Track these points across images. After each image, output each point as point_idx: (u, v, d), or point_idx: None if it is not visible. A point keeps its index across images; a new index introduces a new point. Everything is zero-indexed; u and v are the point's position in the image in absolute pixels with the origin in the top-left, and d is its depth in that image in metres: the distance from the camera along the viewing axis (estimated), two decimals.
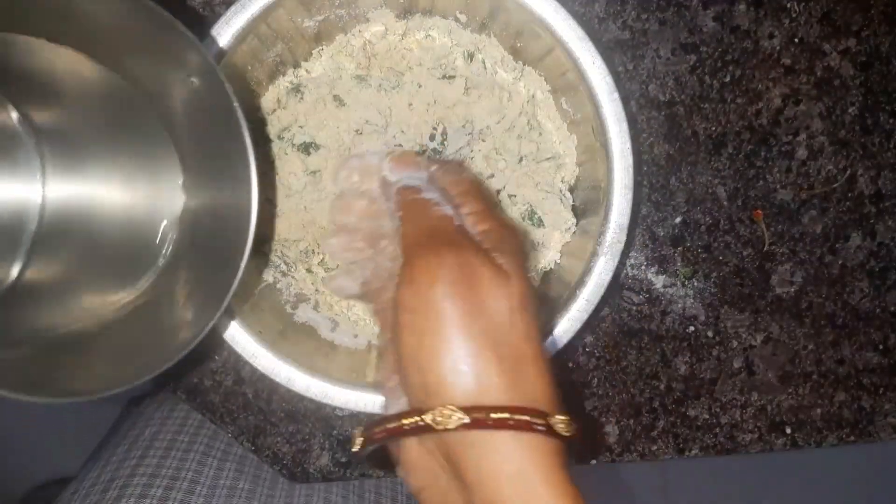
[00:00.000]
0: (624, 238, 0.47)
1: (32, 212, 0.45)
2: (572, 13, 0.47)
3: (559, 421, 0.35)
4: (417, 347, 0.36)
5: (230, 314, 0.48)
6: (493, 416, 0.33)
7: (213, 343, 0.58)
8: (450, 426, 0.34)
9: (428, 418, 0.34)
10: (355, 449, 0.39)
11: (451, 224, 0.40)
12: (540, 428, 0.34)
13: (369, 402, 0.47)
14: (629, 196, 0.47)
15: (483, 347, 0.35)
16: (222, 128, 0.42)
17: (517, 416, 0.34)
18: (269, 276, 0.53)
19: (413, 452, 0.38)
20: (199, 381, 0.59)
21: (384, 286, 0.44)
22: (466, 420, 0.33)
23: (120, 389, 0.41)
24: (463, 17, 0.52)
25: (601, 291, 0.48)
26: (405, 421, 0.36)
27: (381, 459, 0.40)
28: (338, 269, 0.45)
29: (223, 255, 0.43)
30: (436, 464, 0.37)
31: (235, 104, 0.41)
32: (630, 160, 0.47)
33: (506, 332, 0.36)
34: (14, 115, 0.43)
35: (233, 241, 0.43)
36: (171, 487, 0.58)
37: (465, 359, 0.35)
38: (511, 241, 0.40)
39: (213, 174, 0.46)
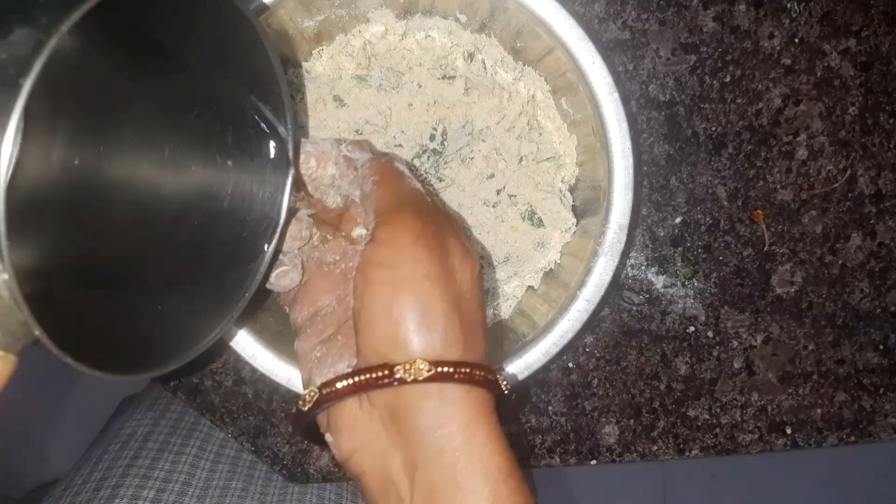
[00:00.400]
0: (624, 238, 0.47)
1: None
2: (572, 13, 0.47)
3: (503, 378, 0.39)
4: (391, 300, 0.38)
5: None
6: (459, 370, 0.36)
7: (213, 344, 0.58)
8: (420, 378, 0.36)
9: (400, 371, 0.36)
10: (305, 408, 0.39)
11: (425, 197, 0.42)
12: (492, 383, 0.38)
13: None
14: (629, 196, 0.47)
15: (452, 309, 0.38)
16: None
17: (476, 371, 0.37)
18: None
19: (352, 412, 0.39)
20: (199, 381, 0.59)
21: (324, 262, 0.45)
22: (433, 372, 0.36)
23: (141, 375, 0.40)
24: (463, 17, 0.52)
25: (601, 292, 0.48)
26: (375, 374, 0.37)
27: (316, 433, 0.41)
28: (286, 265, 0.45)
29: (247, 247, 0.44)
30: (376, 422, 0.38)
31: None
32: (630, 160, 0.47)
33: (467, 299, 0.39)
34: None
35: (258, 235, 0.43)
36: (164, 489, 0.58)
37: (438, 316, 0.37)
38: (459, 224, 0.44)
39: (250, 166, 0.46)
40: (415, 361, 0.36)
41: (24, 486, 1.33)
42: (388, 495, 0.38)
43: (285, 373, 0.48)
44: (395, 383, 0.37)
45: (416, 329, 0.37)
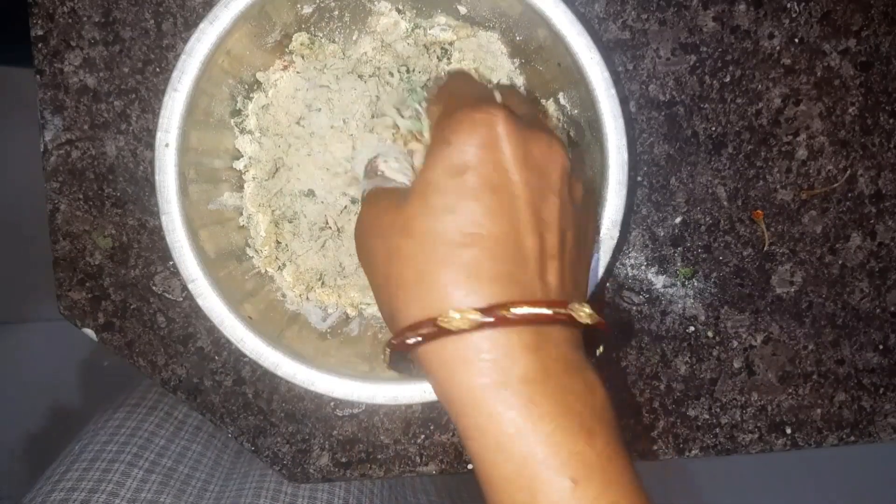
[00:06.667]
0: (617, 234, 0.47)
1: None
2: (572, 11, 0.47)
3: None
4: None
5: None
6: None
7: (213, 343, 0.58)
8: (583, 320, 0.34)
9: (564, 311, 0.33)
10: (453, 326, 0.31)
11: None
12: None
13: (355, 390, 0.47)
14: (623, 193, 0.47)
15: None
16: None
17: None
18: (261, 265, 0.53)
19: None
20: (199, 381, 0.59)
21: None
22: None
23: None
24: (463, 9, 0.52)
25: (591, 287, 0.48)
26: (558, 310, 0.33)
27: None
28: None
29: None
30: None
31: None
32: (625, 156, 0.47)
33: None
34: None
35: None
36: (115, 460, 0.59)
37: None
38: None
39: None
40: (580, 305, 0.34)
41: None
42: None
43: (273, 357, 0.47)
44: (562, 322, 0.33)
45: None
